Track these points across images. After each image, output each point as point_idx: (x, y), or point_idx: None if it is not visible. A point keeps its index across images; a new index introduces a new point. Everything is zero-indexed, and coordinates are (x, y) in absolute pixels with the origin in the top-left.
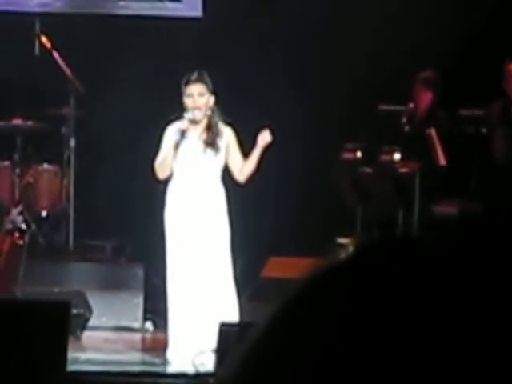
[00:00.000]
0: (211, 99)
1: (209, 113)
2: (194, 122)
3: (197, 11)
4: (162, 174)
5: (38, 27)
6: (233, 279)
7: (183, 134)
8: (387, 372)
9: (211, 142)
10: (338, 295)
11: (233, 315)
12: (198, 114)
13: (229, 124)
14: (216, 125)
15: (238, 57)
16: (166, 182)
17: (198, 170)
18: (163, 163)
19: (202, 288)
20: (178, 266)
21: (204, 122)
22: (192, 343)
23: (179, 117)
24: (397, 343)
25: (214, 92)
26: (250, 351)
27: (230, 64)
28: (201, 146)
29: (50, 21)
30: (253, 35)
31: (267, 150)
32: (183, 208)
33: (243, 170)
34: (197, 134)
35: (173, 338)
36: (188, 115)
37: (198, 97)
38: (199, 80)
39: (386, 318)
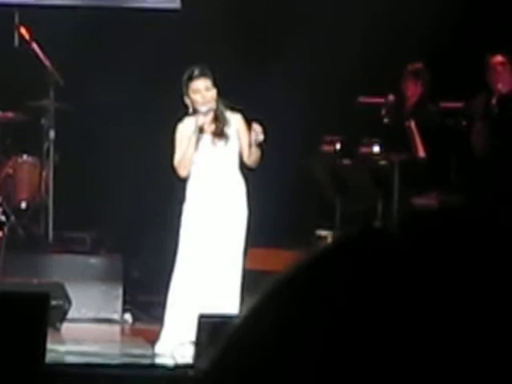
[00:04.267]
0: (215, 92)
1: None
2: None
3: (175, 3)
4: (184, 172)
5: (17, 18)
6: (241, 273)
7: (201, 129)
8: (361, 358)
9: (219, 132)
10: (311, 289)
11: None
12: (209, 108)
13: (237, 110)
14: (222, 114)
15: (216, 48)
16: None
17: (211, 162)
18: (184, 160)
19: (207, 284)
20: (188, 261)
21: (210, 114)
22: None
23: (187, 113)
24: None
25: (216, 84)
26: (229, 338)
27: (210, 56)
28: (209, 137)
29: (29, 12)
30: (232, 26)
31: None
32: (202, 203)
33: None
34: (204, 127)
35: (166, 332)
36: (202, 109)
37: (206, 91)
38: (203, 74)
39: (353, 309)
